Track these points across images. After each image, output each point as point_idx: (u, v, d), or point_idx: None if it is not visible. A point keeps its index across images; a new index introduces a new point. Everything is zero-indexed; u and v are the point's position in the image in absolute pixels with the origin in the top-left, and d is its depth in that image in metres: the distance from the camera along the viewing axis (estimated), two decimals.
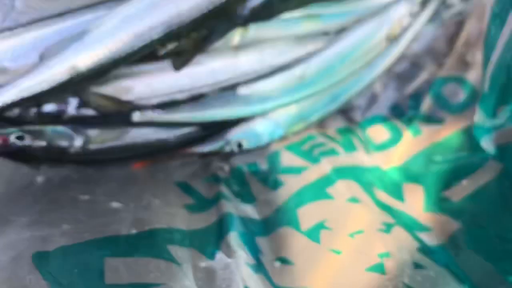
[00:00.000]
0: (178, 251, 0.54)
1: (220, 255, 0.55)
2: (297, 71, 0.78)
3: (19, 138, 0.64)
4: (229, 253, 0.55)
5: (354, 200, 0.67)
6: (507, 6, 0.65)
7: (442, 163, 0.76)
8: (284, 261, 0.59)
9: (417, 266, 0.58)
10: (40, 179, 0.64)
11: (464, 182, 0.72)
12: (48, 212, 0.56)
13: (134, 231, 0.55)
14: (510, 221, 0.65)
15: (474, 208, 0.69)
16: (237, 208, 0.65)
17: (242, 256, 0.55)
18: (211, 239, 0.58)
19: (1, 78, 0.62)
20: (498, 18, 0.68)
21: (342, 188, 0.69)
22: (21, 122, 0.65)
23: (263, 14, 0.73)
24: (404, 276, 0.56)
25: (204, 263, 0.55)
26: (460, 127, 0.79)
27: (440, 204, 0.70)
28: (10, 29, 0.63)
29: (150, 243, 0.54)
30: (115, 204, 0.60)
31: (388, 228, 0.63)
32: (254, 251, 0.58)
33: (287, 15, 0.77)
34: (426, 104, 0.85)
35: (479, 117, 0.73)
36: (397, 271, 0.56)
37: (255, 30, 0.76)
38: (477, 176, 0.72)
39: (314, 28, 0.81)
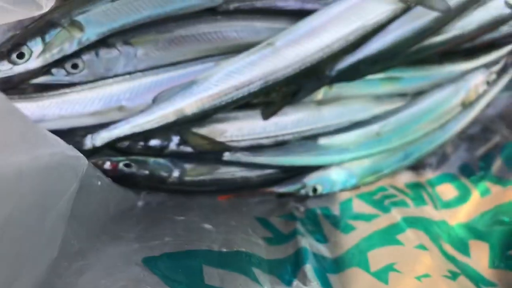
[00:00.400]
0: (261, 275, 0.60)
1: (296, 283, 0.61)
2: (374, 127, 0.84)
3: (127, 165, 0.73)
4: (305, 281, 0.61)
5: (422, 247, 0.70)
6: None
7: (508, 224, 0.79)
8: None
9: None
10: (140, 203, 0.72)
11: None
12: (151, 228, 0.64)
13: (224, 249, 0.62)
14: None
15: None
16: (311, 245, 0.70)
17: (316, 286, 0.60)
18: (288, 269, 0.64)
19: (118, 114, 0.72)
20: None
21: (411, 236, 0.73)
22: (129, 152, 0.75)
23: (348, 75, 0.80)
24: None
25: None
26: None
27: (505, 261, 0.73)
28: (129, 73, 0.73)
29: (238, 261, 0.61)
30: (207, 226, 0.67)
31: (454, 276, 0.66)
32: (326, 285, 0.63)
33: (369, 76, 0.84)
34: (496, 165, 0.88)
35: None
36: None
37: (338, 88, 0.83)
38: None
39: (393, 89, 0.87)
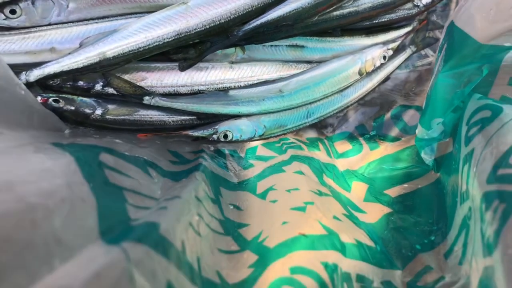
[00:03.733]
0: (154, 172, 0.67)
1: (185, 180, 0.68)
2: (278, 85, 0.92)
3: (55, 101, 0.79)
4: (193, 179, 0.67)
5: (300, 172, 0.79)
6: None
7: (390, 170, 0.86)
8: (236, 207, 0.72)
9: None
10: (67, 131, 0.78)
11: (405, 184, 0.82)
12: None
13: (127, 153, 0.67)
14: (438, 215, 0.75)
15: (407, 201, 0.80)
16: (212, 167, 0.77)
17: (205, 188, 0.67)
18: (183, 174, 0.71)
19: (50, 55, 0.80)
20: (439, 53, 0.81)
21: (294, 166, 0.81)
22: (59, 90, 0.82)
23: (254, 38, 0.89)
24: (323, 218, 0.66)
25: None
26: (412, 143, 0.90)
27: (379, 197, 0.81)
28: (62, 22, 0.81)
29: (136, 160, 0.66)
30: (118, 140, 0.70)
31: (320, 193, 0.73)
32: (216, 192, 0.71)
33: (276, 42, 0.92)
34: (386, 125, 0.97)
35: (419, 131, 0.84)
36: (317, 213, 0.66)
37: (250, 51, 0.92)
38: (417, 181, 0.82)
39: (298, 56, 0.96)
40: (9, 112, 0.62)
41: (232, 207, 0.71)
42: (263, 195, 0.74)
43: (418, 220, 0.75)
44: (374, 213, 0.78)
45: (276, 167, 0.81)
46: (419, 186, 0.82)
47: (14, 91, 0.63)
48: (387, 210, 0.78)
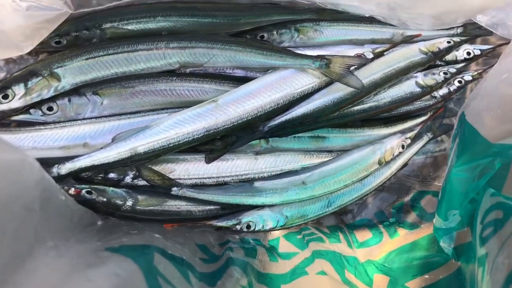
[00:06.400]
0: (193, 278, 0.65)
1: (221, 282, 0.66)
2: (301, 177, 0.91)
3: (88, 192, 0.79)
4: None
5: (322, 273, 0.77)
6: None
7: (410, 260, 0.84)
8: None
9: None
10: (100, 222, 0.76)
11: (426, 275, 0.79)
12: (110, 236, 0.67)
13: (170, 251, 0.66)
14: None
15: None
16: (241, 256, 0.76)
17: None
18: (216, 275, 0.69)
19: (82, 150, 0.79)
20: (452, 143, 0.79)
21: (316, 265, 0.79)
22: (90, 181, 0.81)
23: (278, 132, 0.88)
24: None
25: None
26: (431, 231, 0.87)
27: None
28: (96, 117, 0.81)
29: (180, 261, 0.65)
30: (157, 235, 0.70)
31: None
32: (249, 282, 0.69)
33: (299, 134, 0.91)
34: (405, 211, 0.94)
35: (436, 220, 0.82)
36: None
37: (274, 142, 0.91)
38: (437, 272, 0.80)
39: (320, 146, 0.94)
40: (56, 221, 0.61)
41: None
42: None
43: None
44: None
45: (300, 269, 0.79)
46: (440, 277, 0.80)
47: (57, 198, 0.62)
48: None
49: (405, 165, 1.04)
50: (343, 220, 0.97)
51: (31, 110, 0.77)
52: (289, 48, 0.89)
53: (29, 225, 0.52)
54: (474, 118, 0.75)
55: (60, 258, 0.54)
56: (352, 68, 0.86)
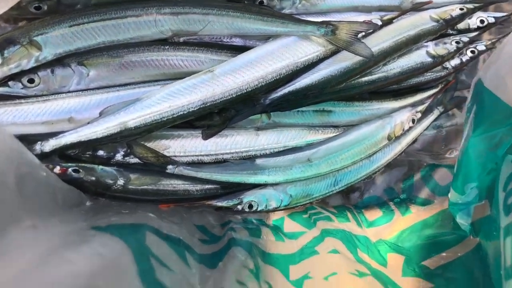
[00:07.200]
0: (191, 259, 0.60)
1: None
2: (306, 153, 0.84)
3: (75, 171, 0.72)
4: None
5: (335, 251, 0.71)
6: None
7: (425, 238, 0.77)
8: (269, 286, 0.62)
9: None
10: (88, 203, 0.70)
11: (444, 253, 0.73)
12: (99, 215, 0.62)
13: (165, 231, 0.61)
14: None
15: (447, 273, 0.72)
16: (244, 236, 0.71)
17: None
18: (216, 257, 0.64)
19: (67, 125, 0.72)
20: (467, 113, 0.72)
21: (327, 244, 0.73)
22: (77, 159, 0.74)
23: (281, 105, 0.80)
24: None
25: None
26: (446, 207, 0.81)
27: (417, 270, 0.73)
28: (82, 90, 0.74)
29: (176, 242, 0.60)
30: (151, 215, 0.66)
31: (360, 274, 0.66)
32: (255, 263, 0.64)
33: (303, 107, 0.84)
34: (416, 187, 0.88)
35: (452, 195, 0.76)
36: None
37: (276, 117, 0.83)
38: (455, 249, 0.75)
39: (325, 121, 0.87)
40: (36, 199, 0.55)
41: (267, 286, 0.62)
42: (298, 284, 0.66)
43: None
44: None
45: (309, 249, 0.73)
46: (459, 254, 0.74)
47: (37, 174, 0.55)
48: (428, 286, 0.69)
49: (415, 141, 0.97)
50: (349, 198, 0.91)
51: (10, 83, 0.69)
52: None
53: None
54: (494, 83, 0.69)
55: (37, 238, 0.47)
56: (360, 35, 0.79)
